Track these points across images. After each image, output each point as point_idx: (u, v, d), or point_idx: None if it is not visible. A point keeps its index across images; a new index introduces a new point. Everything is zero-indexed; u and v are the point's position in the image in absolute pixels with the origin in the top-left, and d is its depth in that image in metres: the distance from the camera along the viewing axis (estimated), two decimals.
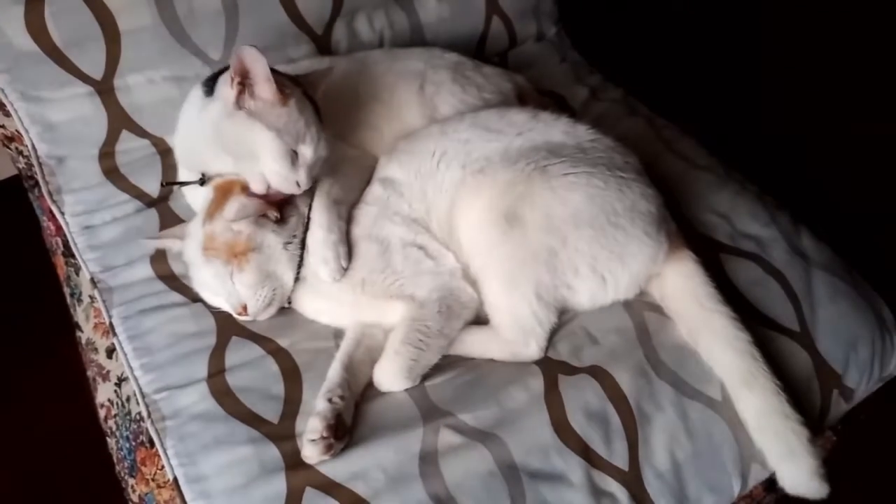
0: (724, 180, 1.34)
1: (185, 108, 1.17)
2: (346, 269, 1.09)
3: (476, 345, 1.08)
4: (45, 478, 1.59)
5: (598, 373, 1.05)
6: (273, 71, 1.04)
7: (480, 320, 1.10)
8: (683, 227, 1.18)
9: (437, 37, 1.52)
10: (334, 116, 1.18)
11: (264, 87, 1.02)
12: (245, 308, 1.08)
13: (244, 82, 1.02)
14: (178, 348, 1.11)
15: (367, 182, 1.18)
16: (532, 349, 1.06)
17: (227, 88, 1.03)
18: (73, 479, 1.56)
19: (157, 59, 1.29)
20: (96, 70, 1.26)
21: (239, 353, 1.09)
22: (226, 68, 1.05)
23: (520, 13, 1.61)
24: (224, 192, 1.10)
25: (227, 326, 1.12)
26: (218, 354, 1.09)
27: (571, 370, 1.05)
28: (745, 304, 1.13)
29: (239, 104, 1.03)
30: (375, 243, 1.11)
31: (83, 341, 1.27)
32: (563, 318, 1.10)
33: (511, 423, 1.00)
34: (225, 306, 1.11)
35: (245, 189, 1.08)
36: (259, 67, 1.01)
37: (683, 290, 1.09)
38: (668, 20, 2.38)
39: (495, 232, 1.06)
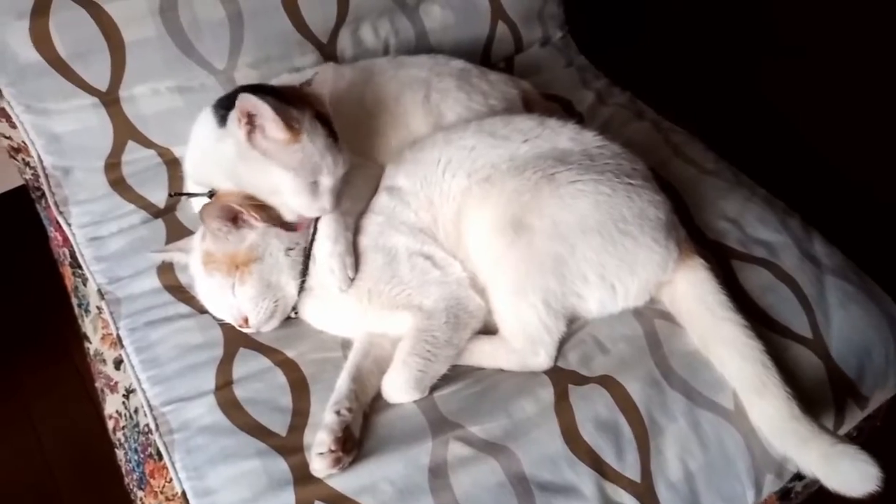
0: (734, 185, 1.32)
1: (196, 129, 1.16)
2: (352, 280, 1.08)
3: (485, 355, 1.07)
4: (54, 489, 1.59)
5: (608, 382, 1.04)
6: (280, 96, 1.03)
7: (489, 330, 1.09)
8: (693, 234, 1.17)
9: (441, 43, 1.51)
10: (340, 126, 1.17)
11: (273, 129, 1.02)
12: (246, 320, 1.07)
13: (252, 122, 1.02)
14: (185, 360, 1.11)
15: (374, 191, 1.18)
16: (541, 358, 1.05)
17: (236, 128, 1.03)
18: (82, 491, 1.56)
19: (162, 69, 1.29)
20: (101, 81, 1.26)
21: (246, 364, 1.09)
22: (236, 92, 1.04)
23: (525, 18, 1.61)
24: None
25: (235, 338, 1.12)
26: (225, 366, 1.09)
27: (581, 380, 1.04)
28: (757, 311, 1.12)
29: (251, 143, 1.02)
30: (382, 253, 1.10)
31: (91, 352, 1.26)
32: (573, 326, 1.09)
33: (521, 435, 0.99)
34: (227, 318, 1.10)
35: (245, 199, 1.07)
36: (263, 112, 1.00)
37: (694, 298, 1.08)
38: (673, 22, 2.36)
39: (502, 240, 1.05)
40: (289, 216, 1.09)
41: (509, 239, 1.05)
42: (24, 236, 1.59)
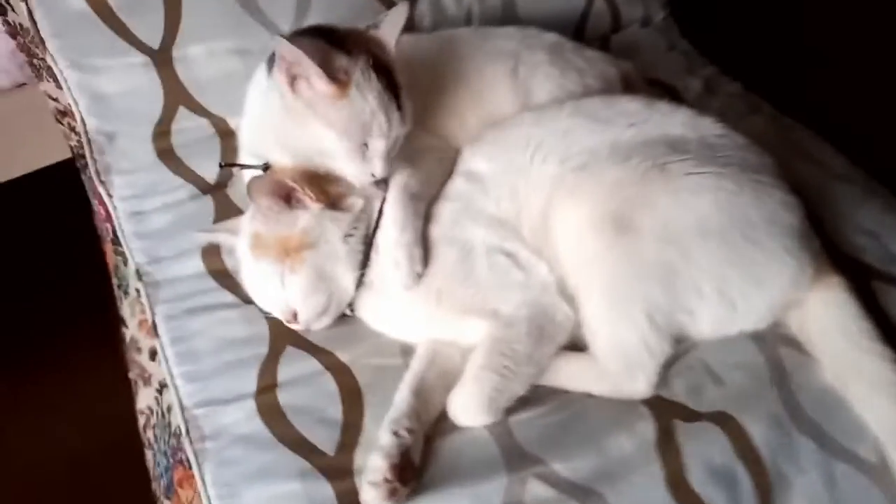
0: (868, 193, 1.14)
1: (250, 88, 1.06)
2: (420, 276, 0.95)
3: (571, 375, 0.93)
4: (87, 486, 1.52)
5: (723, 420, 0.87)
6: (335, 40, 0.91)
7: (578, 346, 0.94)
8: (825, 248, 0.99)
9: (531, 16, 1.36)
10: (413, 101, 1.04)
11: (316, 82, 0.90)
12: (295, 315, 0.96)
13: (295, 70, 0.91)
14: (225, 356, 1.00)
15: (449, 175, 1.04)
16: (639, 385, 0.90)
17: (280, 76, 0.92)
18: (108, 490, 1.49)
19: (221, 28, 1.19)
20: (153, 38, 1.17)
21: (293, 365, 0.97)
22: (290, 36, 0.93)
23: None
24: None
25: (282, 334, 1.00)
26: (270, 366, 0.97)
27: (690, 415, 0.88)
28: None
29: (296, 91, 0.92)
30: (456, 247, 0.97)
31: (127, 338, 1.16)
32: (678, 348, 0.93)
33: (615, 478, 0.84)
34: (275, 312, 0.99)
35: (301, 176, 0.96)
36: (302, 63, 0.89)
37: (831, 324, 0.91)
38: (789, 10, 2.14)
39: (600, 240, 0.91)
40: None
41: (608, 239, 0.90)
42: (69, 211, 1.51)
